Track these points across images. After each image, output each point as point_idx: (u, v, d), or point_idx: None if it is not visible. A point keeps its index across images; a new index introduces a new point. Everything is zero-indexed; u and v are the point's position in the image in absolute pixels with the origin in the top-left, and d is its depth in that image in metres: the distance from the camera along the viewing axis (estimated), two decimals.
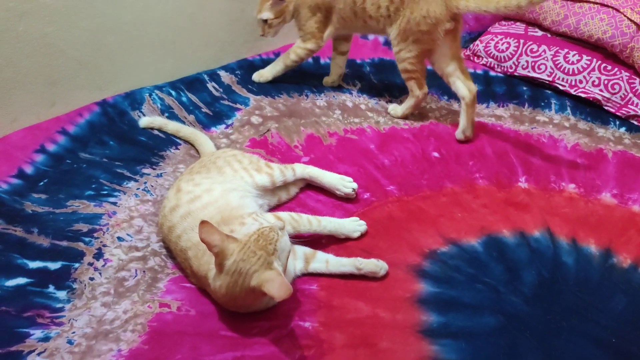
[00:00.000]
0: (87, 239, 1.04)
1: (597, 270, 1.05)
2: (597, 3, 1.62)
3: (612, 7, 1.59)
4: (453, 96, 1.65)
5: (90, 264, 0.99)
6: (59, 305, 0.91)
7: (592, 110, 1.60)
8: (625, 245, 1.12)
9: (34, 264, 0.98)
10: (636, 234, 1.15)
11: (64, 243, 1.03)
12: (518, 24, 1.84)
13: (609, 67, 1.61)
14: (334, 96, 1.60)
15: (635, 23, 1.54)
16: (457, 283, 1.02)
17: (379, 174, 1.30)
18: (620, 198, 1.26)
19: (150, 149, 1.32)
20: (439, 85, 1.69)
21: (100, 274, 0.98)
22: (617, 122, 1.56)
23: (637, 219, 1.20)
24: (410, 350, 0.88)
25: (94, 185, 1.18)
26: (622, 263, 1.08)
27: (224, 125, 1.43)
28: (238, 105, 1.52)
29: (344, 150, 1.38)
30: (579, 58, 1.65)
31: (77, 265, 0.99)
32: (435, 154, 1.39)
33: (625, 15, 1.56)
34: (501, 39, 1.81)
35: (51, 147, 1.28)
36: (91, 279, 0.97)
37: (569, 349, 0.89)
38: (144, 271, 0.99)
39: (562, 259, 1.08)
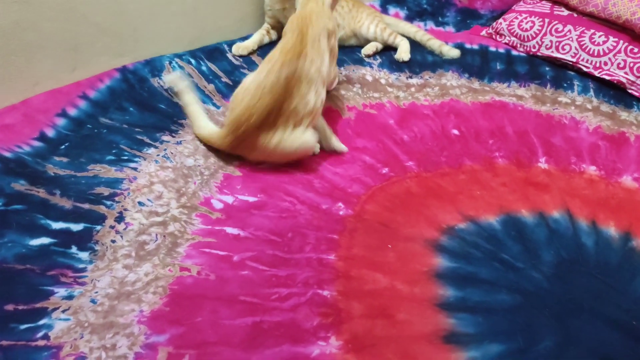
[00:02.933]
0: (108, 203, 1.05)
1: (617, 253, 1.05)
2: None
3: None
4: (474, 74, 1.63)
5: (112, 227, 1.00)
6: (82, 265, 0.93)
7: (615, 93, 1.58)
8: None
9: (56, 225, 0.99)
10: None
11: (86, 206, 1.04)
12: (544, 2, 1.80)
13: (636, 50, 1.57)
14: (353, 70, 1.59)
15: None
16: (475, 259, 1.02)
17: (398, 150, 1.30)
18: None
19: (170, 117, 1.32)
20: (459, 63, 1.67)
21: (121, 236, 0.99)
22: None
23: None
24: (427, 322, 0.89)
25: (114, 151, 1.19)
26: None
27: None
28: None
29: (362, 124, 1.38)
30: (606, 39, 1.62)
31: (98, 227, 1.00)
32: (455, 132, 1.38)
33: None
34: (525, 18, 1.77)
35: (72, 112, 1.28)
36: (113, 241, 0.98)
37: (588, 330, 0.89)
38: (164, 236, 1.00)
39: (581, 240, 1.07)
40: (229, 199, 1.11)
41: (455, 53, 1.70)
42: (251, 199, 1.11)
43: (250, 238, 1.02)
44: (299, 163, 1.22)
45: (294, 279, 0.94)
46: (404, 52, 1.66)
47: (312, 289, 0.92)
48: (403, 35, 1.75)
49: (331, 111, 1.40)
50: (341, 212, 1.10)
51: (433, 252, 1.02)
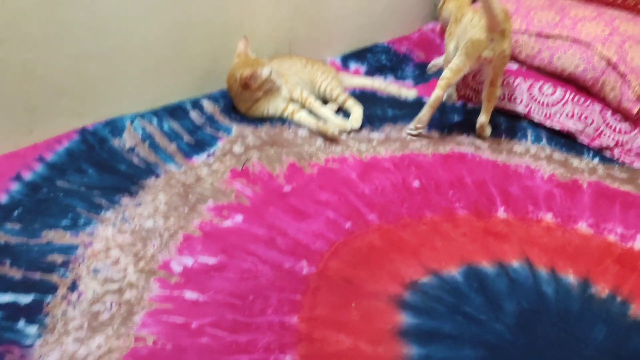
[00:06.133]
0: (61, 271, 1.02)
1: (577, 301, 1.06)
2: (569, 38, 1.68)
3: (584, 43, 1.65)
4: (433, 126, 1.68)
5: (64, 297, 0.96)
6: (29, 341, 0.88)
7: (566, 141, 1.65)
8: (602, 275, 1.14)
9: (4, 297, 0.94)
10: (612, 263, 1.17)
11: (37, 275, 1.00)
12: None
13: (582, 100, 1.66)
14: None
15: (605, 58, 1.60)
16: (438, 314, 1.01)
17: (359, 203, 1.31)
18: (596, 228, 1.28)
19: (130, 178, 1.30)
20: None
21: (73, 307, 0.95)
22: (591, 153, 1.60)
23: (612, 248, 1.22)
24: None
25: (70, 215, 1.16)
26: (600, 293, 1.09)
27: (205, 154, 1.43)
28: (220, 134, 1.52)
29: (325, 178, 1.39)
30: (553, 90, 1.70)
31: (49, 298, 0.96)
32: (416, 184, 1.40)
33: (596, 51, 1.62)
34: (479, 72, 1.85)
35: (27, 175, 1.25)
36: (64, 312, 0.94)
37: None
38: (119, 304, 0.97)
39: (542, 289, 1.08)
40: (189, 261, 1.08)
41: (413, 94, 1.81)
42: (211, 260, 1.09)
43: (210, 302, 0.99)
44: (262, 219, 1.21)
45: (255, 345, 0.91)
46: (354, 120, 1.62)
47: (273, 355, 0.90)
48: (361, 89, 1.80)
49: (294, 167, 1.42)
50: (304, 271, 1.09)
51: (396, 308, 1.02)
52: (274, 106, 1.61)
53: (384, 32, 2.23)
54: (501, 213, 1.32)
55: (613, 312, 1.05)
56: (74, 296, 0.97)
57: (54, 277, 1.00)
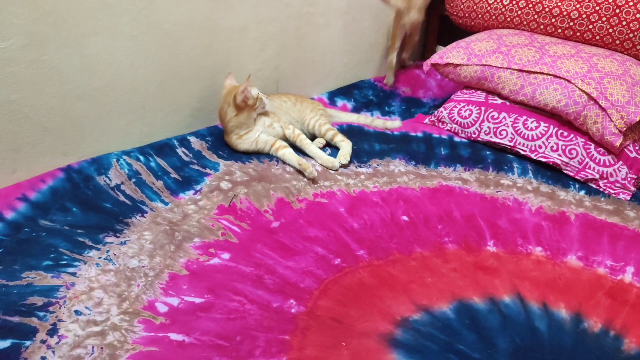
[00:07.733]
0: (41, 314, 0.98)
1: (570, 336, 1.05)
2: (550, 74, 1.73)
3: (564, 79, 1.69)
4: (420, 160, 1.69)
5: (43, 342, 0.93)
6: None
7: (552, 173, 1.66)
8: (594, 308, 1.13)
9: None
10: (603, 297, 1.17)
11: (16, 319, 0.96)
12: (479, 92, 1.93)
13: (566, 133, 1.69)
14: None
15: (586, 93, 1.64)
16: (430, 352, 0.99)
17: (349, 238, 1.30)
18: (586, 260, 1.28)
19: (115, 216, 1.28)
20: (405, 150, 1.74)
21: (53, 352, 0.91)
22: (577, 186, 1.61)
23: (602, 281, 1.21)
24: None
25: (52, 255, 1.13)
26: (593, 327, 1.08)
27: (192, 191, 1.42)
28: (208, 170, 1.51)
29: (314, 214, 1.38)
30: (537, 125, 1.73)
31: (28, 343, 0.92)
32: (405, 218, 1.40)
33: (576, 86, 1.66)
34: (464, 106, 1.89)
35: (9, 215, 1.23)
36: (43, 358, 0.90)
37: None
38: (101, 347, 0.93)
39: (534, 324, 1.07)
40: (175, 301, 1.06)
41: (398, 124, 1.88)
42: (198, 299, 1.06)
43: (196, 344, 0.96)
44: (249, 257, 1.19)
45: None
46: (343, 156, 1.62)
47: None
48: (348, 124, 1.82)
49: (283, 202, 1.41)
50: (293, 310, 1.06)
51: (388, 347, 0.99)
52: (263, 140, 1.61)
53: (370, 69, 2.27)
54: (491, 247, 1.31)
55: (607, 347, 1.03)
56: (53, 340, 0.93)
57: (34, 321, 0.96)
